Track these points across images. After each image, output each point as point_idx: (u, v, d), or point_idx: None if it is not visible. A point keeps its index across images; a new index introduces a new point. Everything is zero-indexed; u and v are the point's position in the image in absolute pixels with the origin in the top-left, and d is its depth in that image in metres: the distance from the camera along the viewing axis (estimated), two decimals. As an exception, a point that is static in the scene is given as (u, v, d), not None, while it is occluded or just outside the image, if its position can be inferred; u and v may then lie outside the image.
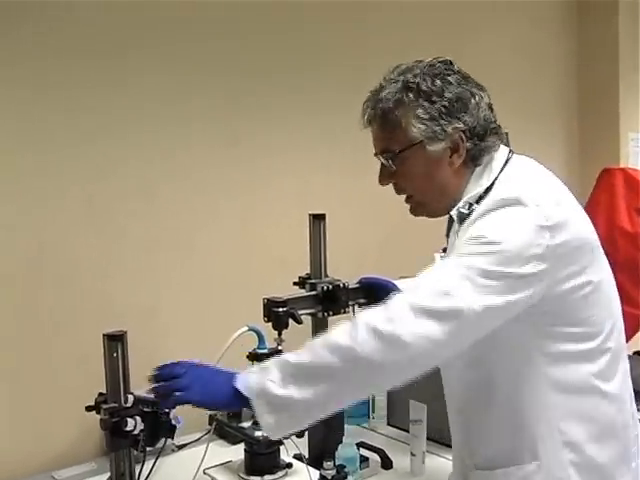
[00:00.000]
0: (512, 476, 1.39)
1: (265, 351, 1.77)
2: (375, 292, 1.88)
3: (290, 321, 1.81)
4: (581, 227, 1.38)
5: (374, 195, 2.82)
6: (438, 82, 1.39)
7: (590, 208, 2.74)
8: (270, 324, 1.81)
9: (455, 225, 1.43)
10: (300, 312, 1.83)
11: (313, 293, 1.92)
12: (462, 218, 1.39)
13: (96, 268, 2.14)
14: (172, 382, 1.35)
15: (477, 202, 1.38)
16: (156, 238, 2.26)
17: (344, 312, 1.91)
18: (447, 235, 1.53)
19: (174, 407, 1.41)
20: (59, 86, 2.04)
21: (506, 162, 1.43)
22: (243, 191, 2.47)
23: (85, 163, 2.11)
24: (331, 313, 1.92)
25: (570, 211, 1.38)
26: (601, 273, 1.40)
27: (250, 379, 1.30)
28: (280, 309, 1.78)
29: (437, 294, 1.25)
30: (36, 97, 2.01)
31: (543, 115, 3.56)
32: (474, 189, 1.40)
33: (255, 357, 1.77)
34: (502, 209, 1.31)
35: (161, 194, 2.27)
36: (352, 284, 1.94)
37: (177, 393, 1.34)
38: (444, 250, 1.54)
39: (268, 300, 1.81)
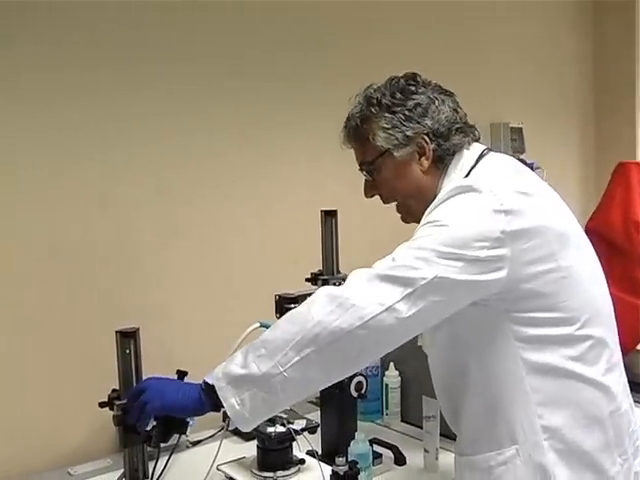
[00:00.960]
0: (492, 461, 1.40)
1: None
2: None
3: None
4: (547, 215, 1.39)
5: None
6: (398, 95, 1.48)
7: (606, 203, 2.72)
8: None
9: None
10: (312, 308, 1.82)
11: (325, 289, 1.92)
12: None
13: (109, 266, 2.15)
14: (139, 400, 1.41)
15: None
16: (169, 236, 2.27)
17: (356, 308, 1.91)
18: None
19: (147, 421, 1.45)
20: (74, 92, 2.06)
21: (479, 158, 1.48)
22: (256, 189, 2.47)
23: (98, 163, 2.12)
24: (343, 309, 1.91)
25: (535, 200, 1.39)
26: (574, 262, 1.40)
27: (216, 370, 1.36)
28: (292, 305, 1.79)
29: (391, 267, 1.30)
30: (51, 102, 2.02)
31: (559, 112, 3.55)
32: (447, 186, 1.43)
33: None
34: (457, 196, 1.36)
35: (174, 192, 2.28)
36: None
37: (146, 406, 1.40)
38: None
39: (280, 296, 1.81)
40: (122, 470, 1.72)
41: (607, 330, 1.45)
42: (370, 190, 1.59)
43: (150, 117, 2.21)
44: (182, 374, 1.67)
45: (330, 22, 2.66)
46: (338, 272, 2.01)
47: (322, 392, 2.01)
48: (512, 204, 1.33)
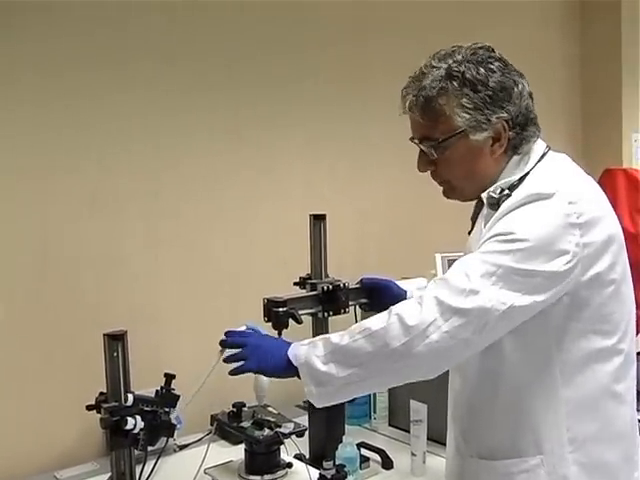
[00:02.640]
0: (514, 468, 1.39)
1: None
2: (376, 292, 1.88)
3: (290, 321, 1.82)
4: (612, 224, 1.38)
5: (376, 196, 2.85)
6: (482, 70, 1.36)
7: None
8: (270, 324, 1.81)
9: (485, 208, 1.42)
10: (300, 312, 1.83)
11: (313, 293, 1.92)
12: (491, 202, 1.39)
13: (98, 268, 2.15)
14: (236, 353, 1.49)
15: (509, 189, 1.38)
16: (158, 238, 2.27)
17: (344, 312, 1.91)
18: (472, 218, 1.53)
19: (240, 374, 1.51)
20: (65, 91, 2.06)
21: (543, 155, 1.43)
22: (245, 192, 2.48)
23: (88, 163, 2.12)
24: (331, 313, 1.92)
25: (603, 208, 1.39)
26: (623, 272, 1.40)
27: (299, 351, 1.41)
28: (280, 309, 1.78)
29: (464, 292, 1.27)
30: (40, 100, 2.02)
31: (546, 116, 3.55)
32: (509, 176, 1.41)
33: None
34: (534, 203, 1.31)
35: (164, 194, 2.28)
36: (352, 284, 1.94)
37: (240, 363, 1.47)
38: (469, 233, 1.53)
39: (268, 300, 1.81)
40: (109, 474, 1.71)
41: (632, 342, 1.44)
42: (426, 165, 1.46)
43: (141, 118, 2.21)
44: (170, 377, 1.68)
45: (327, 23, 2.67)
46: (327, 276, 2.01)
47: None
48: (586, 215, 1.30)
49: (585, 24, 3.78)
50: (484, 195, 1.40)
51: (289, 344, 1.45)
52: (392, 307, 1.35)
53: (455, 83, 1.36)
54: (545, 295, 1.28)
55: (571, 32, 3.76)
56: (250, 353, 1.47)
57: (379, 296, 1.86)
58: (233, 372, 1.49)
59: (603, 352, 1.36)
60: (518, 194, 1.35)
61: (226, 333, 1.56)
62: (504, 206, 1.35)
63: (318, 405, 1.42)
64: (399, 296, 1.80)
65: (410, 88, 1.42)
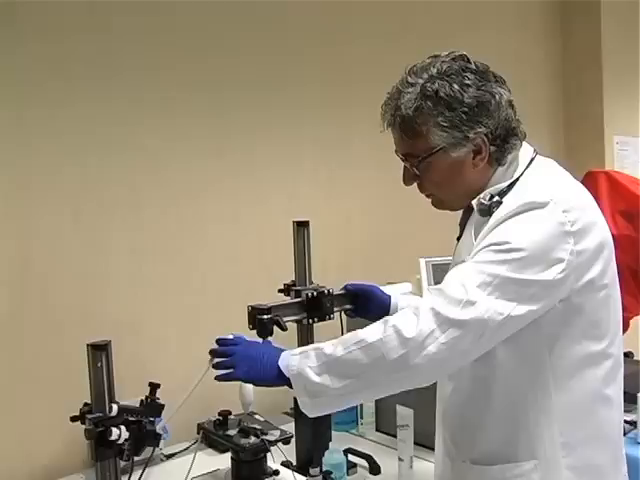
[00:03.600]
0: (508, 472, 1.39)
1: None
2: (361, 298, 1.88)
3: (275, 328, 1.81)
4: (603, 230, 1.39)
5: (359, 201, 2.85)
6: (456, 87, 1.36)
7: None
8: (255, 331, 1.81)
9: (475, 214, 1.42)
10: (285, 319, 1.82)
11: (298, 300, 1.92)
12: (482, 209, 1.39)
13: (82, 279, 2.14)
14: (224, 360, 1.48)
15: (500, 195, 1.38)
16: (142, 249, 2.26)
17: (329, 319, 1.91)
18: (460, 224, 1.54)
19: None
20: (42, 103, 2.05)
21: (531, 161, 1.44)
22: (229, 200, 2.48)
23: (71, 176, 2.12)
24: (316, 320, 1.92)
25: (595, 215, 1.40)
26: (613, 276, 1.41)
27: (291, 361, 1.39)
28: (264, 316, 1.78)
29: (461, 303, 1.27)
30: (20, 113, 2.02)
31: (528, 119, 3.57)
32: (497, 184, 1.41)
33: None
34: (529, 212, 1.31)
35: (147, 206, 2.28)
36: (337, 290, 1.94)
37: (228, 371, 1.46)
38: (458, 239, 1.54)
39: (252, 307, 1.80)
40: (95, 485, 1.70)
41: (620, 346, 1.45)
42: (411, 180, 1.48)
43: (121, 127, 2.21)
44: (154, 387, 1.67)
45: (308, 28, 2.68)
46: (311, 282, 2.01)
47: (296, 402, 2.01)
48: (579, 223, 1.31)
49: (565, 28, 3.82)
50: (474, 202, 1.41)
51: (279, 352, 1.44)
52: (387, 318, 1.34)
53: (429, 103, 1.36)
54: (540, 304, 1.29)
55: (552, 36, 3.80)
56: (239, 361, 1.46)
57: (363, 302, 1.86)
58: (219, 378, 1.48)
59: (594, 356, 1.38)
60: (511, 202, 1.35)
61: (217, 341, 1.54)
62: (498, 215, 1.35)
63: (311, 415, 1.42)
64: (383, 301, 1.80)
65: (388, 106, 1.44)
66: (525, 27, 3.65)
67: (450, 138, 1.37)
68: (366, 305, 1.84)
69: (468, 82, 1.37)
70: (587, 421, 1.38)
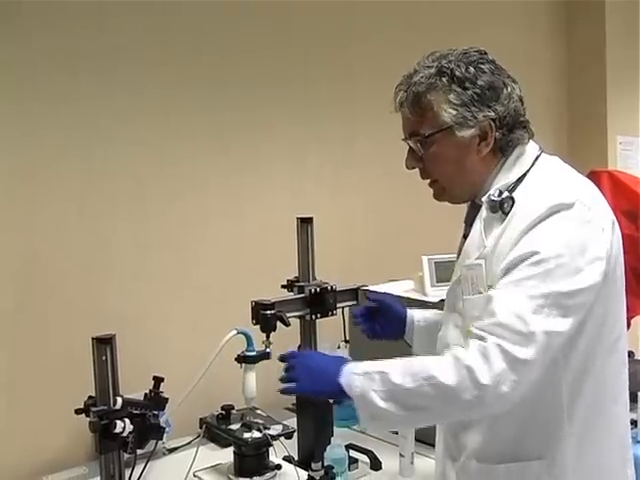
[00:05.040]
0: (515, 471, 1.39)
1: (254, 354, 1.79)
2: (381, 311, 1.78)
3: (278, 323, 1.83)
4: (617, 225, 1.40)
5: (363, 198, 2.86)
6: (471, 69, 1.39)
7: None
8: (258, 326, 1.82)
9: (483, 212, 1.41)
10: (288, 315, 1.84)
11: (301, 296, 1.93)
12: (492, 205, 1.38)
13: (87, 273, 2.15)
14: (288, 375, 1.45)
15: (509, 191, 1.38)
16: (146, 244, 2.27)
17: (332, 314, 1.93)
18: (465, 222, 1.53)
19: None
20: (47, 96, 2.06)
21: (537, 157, 1.44)
22: (233, 196, 2.48)
23: (77, 170, 2.13)
24: (319, 315, 1.93)
25: (610, 210, 1.40)
26: (622, 273, 1.42)
27: (354, 381, 1.34)
28: (268, 312, 1.80)
29: (525, 338, 1.25)
30: (26, 107, 2.02)
31: (532, 118, 3.58)
32: (504, 179, 1.41)
33: (244, 359, 1.79)
34: (557, 214, 1.30)
35: (152, 201, 2.29)
36: (340, 287, 1.95)
37: (290, 384, 1.44)
38: (464, 237, 1.52)
39: (256, 303, 1.82)
40: (98, 477, 1.71)
41: (625, 343, 1.45)
42: (414, 162, 1.47)
43: (126, 122, 2.21)
44: (158, 380, 1.68)
45: (312, 26, 2.69)
46: (314, 278, 2.02)
47: (298, 398, 2.02)
48: (605, 219, 1.33)
49: (570, 28, 3.81)
50: (484, 199, 1.40)
51: (340, 365, 1.38)
52: (456, 354, 1.29)
53: (444, 79, 1.39)
54: (586, 310, 1.30)
55: (557, 36, 3.80)
56: (300, 375, 1.43)
57: (383, 315, 1.78)
58: (283, 391, 1.47)
59: (603, 355, 1.37)
60: (537, 207, 1.32)
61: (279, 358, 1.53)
62: (523, 220, 1.32)
63: (368, 431, 1.45)
64: (400, 315, 1.75)
65: (402, 85, 1.45)
66: (533, 27, 3.65)
67: (459, 117, 1.38)
68: (385, 318, 1.77)
69: (483, 68, 1.40)
70: (596, 421, 1.38)
